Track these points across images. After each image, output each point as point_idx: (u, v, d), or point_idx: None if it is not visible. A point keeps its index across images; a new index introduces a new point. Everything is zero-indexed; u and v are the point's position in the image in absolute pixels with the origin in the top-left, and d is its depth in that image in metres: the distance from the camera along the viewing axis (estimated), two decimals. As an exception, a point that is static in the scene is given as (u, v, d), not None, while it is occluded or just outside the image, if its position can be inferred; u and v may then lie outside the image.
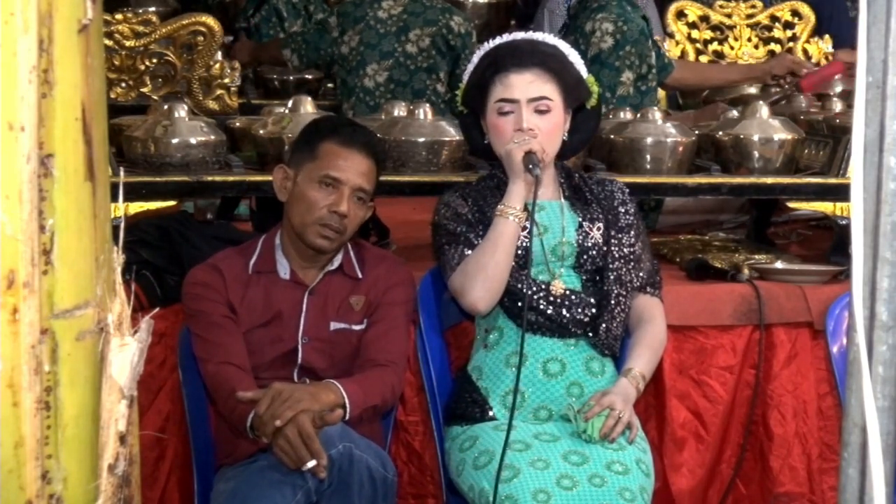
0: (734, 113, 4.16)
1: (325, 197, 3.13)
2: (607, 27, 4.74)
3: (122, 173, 3.45)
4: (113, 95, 4.42)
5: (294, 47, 5.47)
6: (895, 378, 1.63)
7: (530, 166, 3.09)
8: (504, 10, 7.40)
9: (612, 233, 3.24)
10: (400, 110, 3.99)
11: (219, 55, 4.49)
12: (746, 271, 3.76)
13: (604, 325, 3.18)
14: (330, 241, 3.15)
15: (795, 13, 5.63)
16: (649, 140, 3.87)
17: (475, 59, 3.28)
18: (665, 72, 5.06)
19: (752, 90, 5.35)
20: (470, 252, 3.16)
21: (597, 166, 3.85)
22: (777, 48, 5.61)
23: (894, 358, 1.62)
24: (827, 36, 5.66)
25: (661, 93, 5.41)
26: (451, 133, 3.74)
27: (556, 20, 7.46)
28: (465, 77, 3.31)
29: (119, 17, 4.46)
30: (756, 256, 4.02)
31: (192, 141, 3.63)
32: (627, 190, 3.36)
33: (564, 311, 3.17)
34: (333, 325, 3.18)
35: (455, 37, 5.41)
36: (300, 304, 3.18)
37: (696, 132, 4.01)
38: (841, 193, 3.78)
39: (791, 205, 4.18)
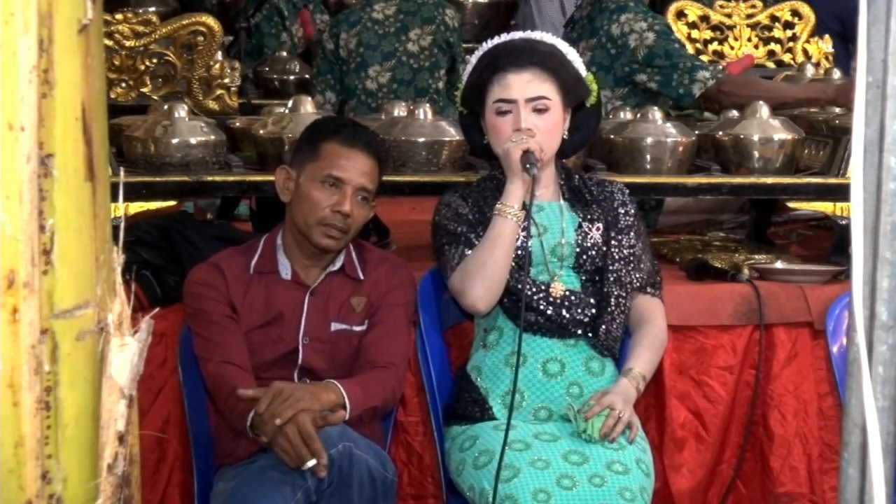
0: (734, 113, 4.15)
1: (328, 197, 3.13)
2: (641, 25, 4.54)
3: (122, 173, 3.46)
4: (113, 95, 4.42)
5: (320, 89, 5.35)
6: (895, 378, 1.63)
7: (527, 165, 3.09)
8: (504, 10, 7.41)
9: (612, 234, 3.24)
10: (400, 110, 3.99)
11: (219, 55, 4.49)
12: (746, 271, 3.76)
13: (603, 326, 3.18)
14: (335, 240, 3.15)
15: (795, 13, 5.62)
16: (649, 140, 3.86)
17: (473, 59, 3.29)
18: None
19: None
20: (470, 252, 3.16)
21: (597, 166, 3.85)
22: (777, 48, 5.60)
23: (894, 358, 1.62)
24: (827, 36, 5.66)
25: None
26: (451, 133, 3.74)
27: (544, 3, 7.48)
28: (464, 77, 3.31)
29: (119, 17, 4.46)
30: (756, 256, 4.02)
31: (192, 141, 3.63)
32: (628, 191, 3.36)
33: (564, 312, 3.17)
34: (334, 326, 3.18)
35: (451, 32, 5.42)
36: (301, 305, 3.18)
37: (696, 132, 4.01)
38: (841, 193, 3.78)
39: (791, 205, 4.17)
